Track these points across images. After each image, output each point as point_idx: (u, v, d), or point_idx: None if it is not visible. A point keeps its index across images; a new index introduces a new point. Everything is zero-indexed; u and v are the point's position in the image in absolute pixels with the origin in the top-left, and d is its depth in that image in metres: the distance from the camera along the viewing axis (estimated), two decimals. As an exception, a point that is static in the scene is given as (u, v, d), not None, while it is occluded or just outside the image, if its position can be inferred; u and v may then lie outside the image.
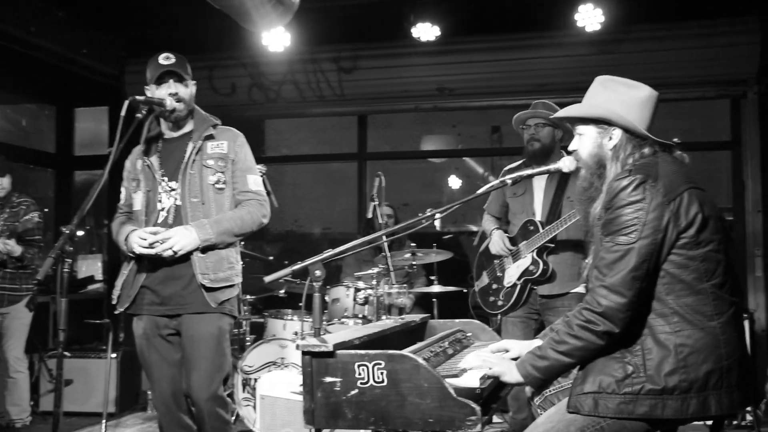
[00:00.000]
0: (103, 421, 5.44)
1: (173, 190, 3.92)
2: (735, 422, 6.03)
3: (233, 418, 5.45)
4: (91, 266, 9.12)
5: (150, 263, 3.87)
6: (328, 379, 2.49)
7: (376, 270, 5.22)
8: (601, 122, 2.71)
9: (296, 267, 2.81)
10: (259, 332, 6.45)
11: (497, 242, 5.08)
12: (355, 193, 8.68)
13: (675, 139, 2.75)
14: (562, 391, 2.90)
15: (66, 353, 6.74)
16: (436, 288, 5.85)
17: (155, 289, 3.88)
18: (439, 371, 2.51)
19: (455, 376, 2.59)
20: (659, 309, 2.52)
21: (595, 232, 2.71)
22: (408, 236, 6.80)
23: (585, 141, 2.78)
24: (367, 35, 7.72)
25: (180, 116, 3.97)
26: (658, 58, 7.13)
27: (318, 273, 2.74)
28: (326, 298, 5.93)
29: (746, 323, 6.25)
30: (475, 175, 9.81)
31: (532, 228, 4.94)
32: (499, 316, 5.10)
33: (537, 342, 2.96)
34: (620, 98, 2.70)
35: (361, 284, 5.64)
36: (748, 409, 5.98)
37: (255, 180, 4.07)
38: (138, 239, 3.77)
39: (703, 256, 2.51)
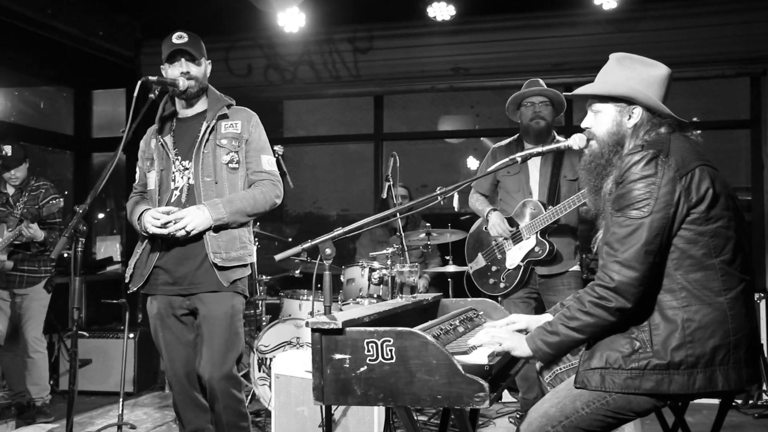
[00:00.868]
0: (121, 400, 5.48)
1: (187, 169, 3.92)
2: (751, 401, 6.01)
3: (248, 397, 5.50)
4: (109, 247, 9.21)
5: (163, 243, 3.89)
6: (338, 356, 2.50)
7: (390, 250, 5.22)
8: (621, 100, 2.70)
9: (306, 245, 2.82)
10: (275, 313, 6.49)
11: (498, 224, 5.06)
12: (372, 175, 8.68)
13: (694, 119, 2.74)
14: (573, 369, 2.91)
15: (84, 333, 6.91)
16: (451, 268, 5.84)
17: (168, 269, 3.89)
18: (448, 349, 2.52)
19: (464, 353, 2.60)
20: (667, 284, 2.51)
21: (606, 207, 2.70)
22: (423, 216, 6.81)
23: (603, 118, 2.75)
24: (383, 15, 7.69)
25: (192, 93, 3.96)
26: (675, 36, 7.05)
27: (328, 251, 2.75)
28: (341, 278, 5.95)
29: (763, 303, 6.22)
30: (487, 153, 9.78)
31: (532, 209, 4.93)
32: (499, 298, 5.10)
33: (547, 317, 2.96)
34: (639, 76, 2.69)
35: (375, 264, 5.65)
36: (765, 388, 5.97)
37: (269, 160, 4.07)
38: (151, 219, 3.78)
39: (713, 231, 2.50)
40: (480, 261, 5.26)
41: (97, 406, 6.50)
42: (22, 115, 8.57)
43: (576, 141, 2.95)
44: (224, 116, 4.00)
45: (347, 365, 2.49)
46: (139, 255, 3.97)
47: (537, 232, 4.90)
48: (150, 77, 3.80)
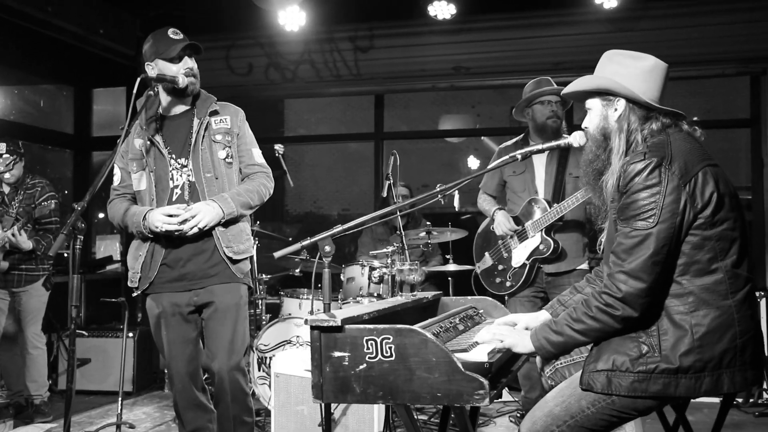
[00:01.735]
0: (120, 399, 5.47)
1: (185, 166, 3.91)
2: (751, 400, 6.00)
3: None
4: (109, 246, 9.19)
5: (167, 241, 3.87)
6: (337, 354, 2.49)
7: (390, 249, 5.22)
8: (606, 94, 2.70)
9: (306, 242, 2.81)
10: (275, 312, 6.48)
11: (503, 223, 5.06)
12: (373, 174, 8.67)
13: (694, 118, 2.72)
14: (574, 364, 2.90)
15: (84, 332, 6.90)
16: (452, 267, 5.83)
17: (175, 266, 3.89)
18: (448, 346, 2.50)
19: (464, 350, 2.59)
20: (675, 290, 2.50)
21: (609, 213, 2.69)
22: (424, 215, 6.80)
23: (592, 115, 2.78)
24: (384, 14, 7.68)
25: (194, 91, 3.95)
26: (676, 36, 7.05)
27: (327, 248, 2.74)
28: (341, 277, 5.95)
29: (763, 302, 6.21)
30: (493, 154, 9.78)
31: (538, 207, 4.93)
32: (506, 297, 5.10)
33: (544, 314, 2.96)
34: (625, 70, 2.68)
35: (376, 263, 5.64)
36: (766, 387, 5.96)
37: (259, 153, 4.13)
38: (162, 217, 3.75)
39: (718, 235, 2.49)
40: (487, 260, 5.26)
41: (96, 406, 6.48)
42: (22, 113, 8.55)
43: (576, 138, 2.95)
44: (214, 112, 4.01)
45: (346, 363, 2.48)
46: (143, 257, 3.93)
47: (542, 230, 4.89)
48: (150, 74, 3.80)
